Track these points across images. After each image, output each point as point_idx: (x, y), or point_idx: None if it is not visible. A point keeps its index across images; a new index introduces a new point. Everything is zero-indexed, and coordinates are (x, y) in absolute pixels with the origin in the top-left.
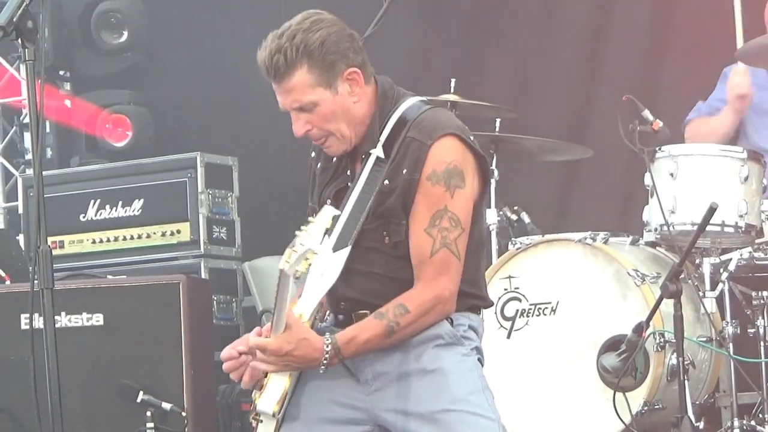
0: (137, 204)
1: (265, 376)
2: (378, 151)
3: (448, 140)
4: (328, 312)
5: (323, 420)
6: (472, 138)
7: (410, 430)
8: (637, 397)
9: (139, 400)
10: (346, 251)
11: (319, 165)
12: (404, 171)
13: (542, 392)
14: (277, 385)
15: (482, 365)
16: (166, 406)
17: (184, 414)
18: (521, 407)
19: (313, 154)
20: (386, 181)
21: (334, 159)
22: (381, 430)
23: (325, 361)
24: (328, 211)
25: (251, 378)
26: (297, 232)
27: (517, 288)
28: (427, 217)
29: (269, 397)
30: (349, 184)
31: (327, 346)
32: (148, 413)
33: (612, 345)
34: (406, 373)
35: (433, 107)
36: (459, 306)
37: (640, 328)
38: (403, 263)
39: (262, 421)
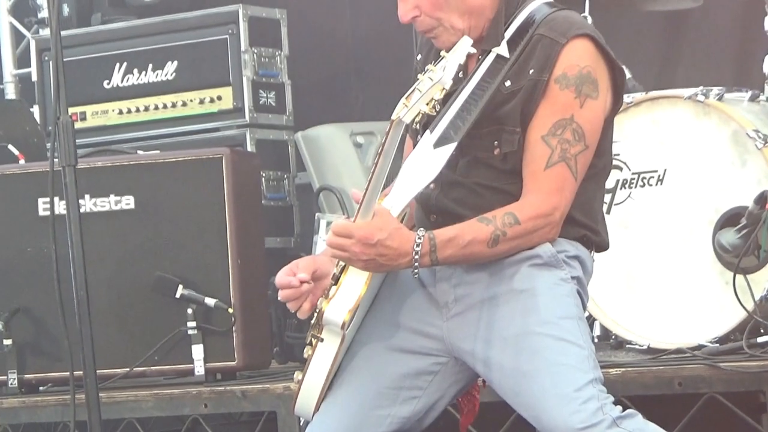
0: (170, 67)
1: (335, 283)
2: (501, 50)
3: (583, 42)
4: (414, 227)
5: (393, 348)
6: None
7: (490, 358)
8: (761, 280)
9: (178, 295)
10: (448, 149)
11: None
12: (530, 71)
13: (649, 278)
14: (351, 290)
15: (583, 306)
16: (210, 301)
17: (230, 310)
18: (625, 297)
19: (419, 57)
20: (507, 82)
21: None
22: (457, 363)
23: (417, 257)
24: (460, 48)
25: (312, 305)
26: (419, 77)
27: (617, 155)
28: (548, 124)
29: (340, 304)
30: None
31: (419, 239)
32: (189, 310)
33: (730, 219)
34: (493, 296)
35: (564, 8)
36: (567, 233)
37: (762, 199)
38: (513, 178)
39: (322, 340)
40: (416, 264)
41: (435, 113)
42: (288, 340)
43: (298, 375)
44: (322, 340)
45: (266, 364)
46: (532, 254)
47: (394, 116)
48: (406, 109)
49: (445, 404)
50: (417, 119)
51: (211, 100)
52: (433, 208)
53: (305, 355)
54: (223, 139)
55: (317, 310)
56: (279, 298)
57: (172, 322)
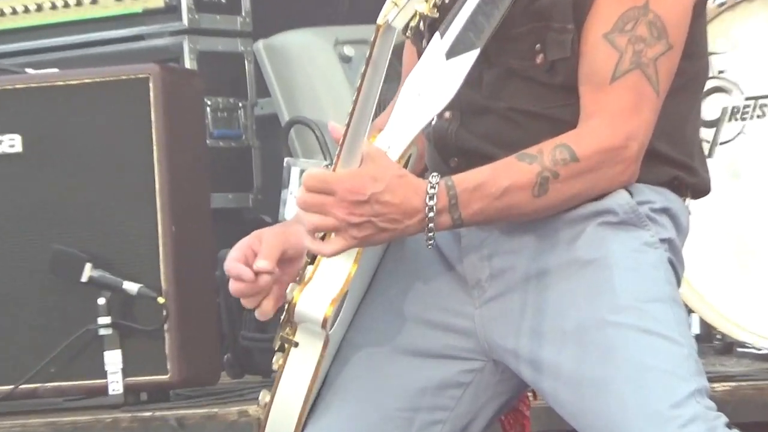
0: None
1: (311, 261)
2: None
3: None
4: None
5: (403, 351)
6: None
7: (541, 360)
8: None
9: (84, 278)
10: (468, 58)
11: None
12: None
13: None
14: (335, 271)
15: (677, 281)
16: (131, 287)
17: (161, 300)
18: (736, 279)
19: None
20: None
21: None
22: (496, 369)
23: (431, 215)
24: None
25: (277, 302)
26: None
27: (722, 72)
28: (613, 18)
29: (319, 293)
30: None
31: (432, 188)
32: (101, 301)
33: None
34: (544, 270)
35: None
36: (649, 175)
37: None
38: (564, 98)
39: (296, 344)
40: (430, 227)
41: (436, 14)
42: (245, 343)
43: (264, 396)
44: (296, 344)
45: (213, 378)
46: (601, 208)
47: (380, 20)
48: (396, 9)
49: (481, 428)
50: (413, 23)
51: None
52: (452, 148)
53: (273, 367)
54: (150, 51)
55: (287, 302)
56: (231, 292)
57: (76, 318)
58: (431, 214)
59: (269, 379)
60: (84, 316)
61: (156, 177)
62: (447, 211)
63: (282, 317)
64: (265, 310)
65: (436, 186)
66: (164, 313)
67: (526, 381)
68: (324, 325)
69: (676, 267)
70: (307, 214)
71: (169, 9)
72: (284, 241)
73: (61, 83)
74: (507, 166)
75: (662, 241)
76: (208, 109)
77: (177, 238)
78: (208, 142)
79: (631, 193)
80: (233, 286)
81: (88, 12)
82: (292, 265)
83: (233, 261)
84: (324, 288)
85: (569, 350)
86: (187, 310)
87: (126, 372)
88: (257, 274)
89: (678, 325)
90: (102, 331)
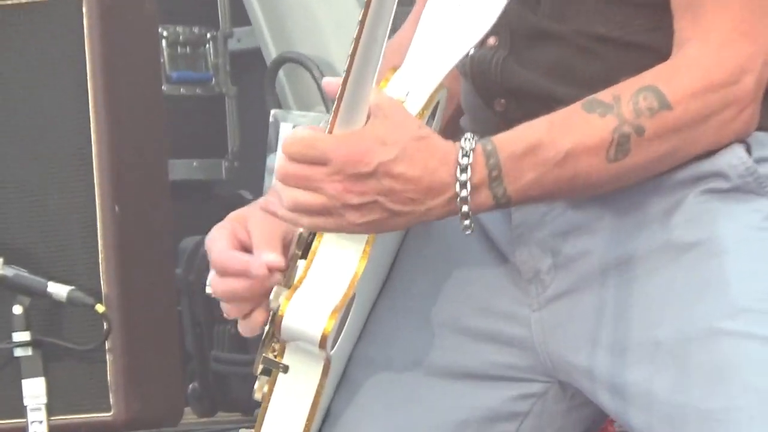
0: None
1: (302, 255)
2: None
3: None
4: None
5: (437, 371)
6: None
7: (627, 385)
8: None
9: None
10: None
11: None
12: None
13: None
14: (334, 269)
15: None
16: (58, 290)
17: (99, 308)
18: None
19: None
20: None
21: None
22: (564, 393)
23: (465, 193)
24: None
25: (267, 313)
26: None
27: None
28: None
29: (314, 302)
30: None
31: (465, 154)
32: (17, 309)
33: None
34: (629, 256)
35: None
36: None
37: None
38: (652, 19)
39: (285, 369)
40: (464, 210)
41: None
42: (217, 367)
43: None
44: (285, 368)
45: (173, 416)
46: (707, 170)
47: None
48: None
49: None
50: None
51: None
52: (498, 86)
53: (256, 396)
54: None
55: (272, 311)
56: (210, 292)
57: None
58: (464, 192)
59: (250, 416)
60: None
61: (92, 138)
62: (486, 187)
63: (265, 332)
64: (255, 323)
65: (471, 153)
66: (105, 326)
67: (605, 411)
68: (322, 344)
69: None
70: (286, 188)
71: None
72: (279, 223)
73: None
74: (570, 119)
75: None
76: (164, 42)
77: (122, 223)
78: (164, 88)
79: (748, 148)
80: (226, 286)
81: None
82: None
83: (228, 251)
84: (321, 293)
85: (666, 371)
86: (136, 323)
87: (52, 409)
88: (269, 271)
89: None
90: (18, 352)
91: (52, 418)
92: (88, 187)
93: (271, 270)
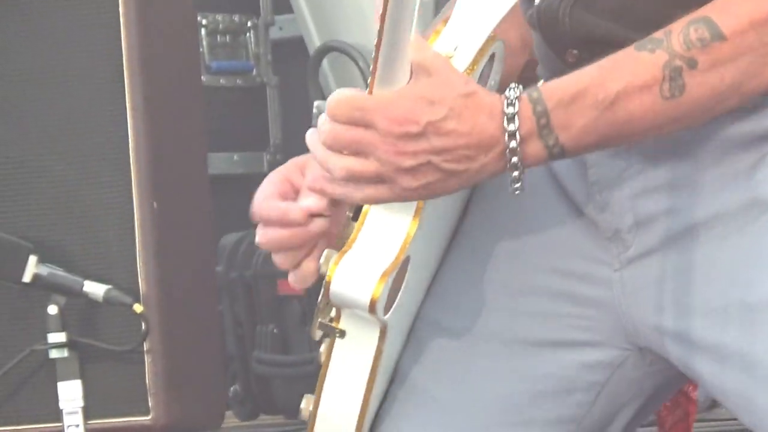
0: None
1: (354, 217)
2: None
3: None
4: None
5: (508, 337)
6: None
7: (721, 346)
8: None
9: (28, 277)
10: None
11: None
12: None
13: None
14: (386, 233)
15: None
16: (95, 289)
17: (137, 308)
18: None
19: None
20: None
21: None
22: (643, 357)
23: (513, 146)
24: None
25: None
26: None
27: None
28: None
29: (363, 266)
30: None
31: (511, 105)
32: (53, 309)
33: None
34: (715, 213)
35: None
36: None
37: None
38: None
39: (341, 334)
40: (513, 161)
41: None
42: (260, 368)
43: (308, 401)
44: (341, 333)
45: (215, 420)
46: None
47: None
48: None
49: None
50: None
51: None
52: (568, 36)
53: (321, 358)
54: None
55: (322, 275)
56: (259, 243)
57: (16, 335)
58: (513, 143)
59: (294, 420)
60: (28, 332)
61: (129, 132)
62: (537, 136)
63: (320, 297)
64: (306, 274)
65: (516, 102)
66: (143, 326)
67: (693, 375)
68: (372, 309)
69: None
70: (333, 155)
71: None
72: None
73: None
74: (620, 60)
75: None
76: (203, 31)
77: (160, 219)
78: (203, 79)
79: None
80: (269, 236)
81: None
82: (342, 209)
83: (269, 198)
84: (370, 257)
85: (763, 332)
86: (175, 323)
87: (89, 412)
88: (307, 217)
89: None
90: (54, 354)
91: (89, 422)
92: (125, 182)
93: (312, 215)
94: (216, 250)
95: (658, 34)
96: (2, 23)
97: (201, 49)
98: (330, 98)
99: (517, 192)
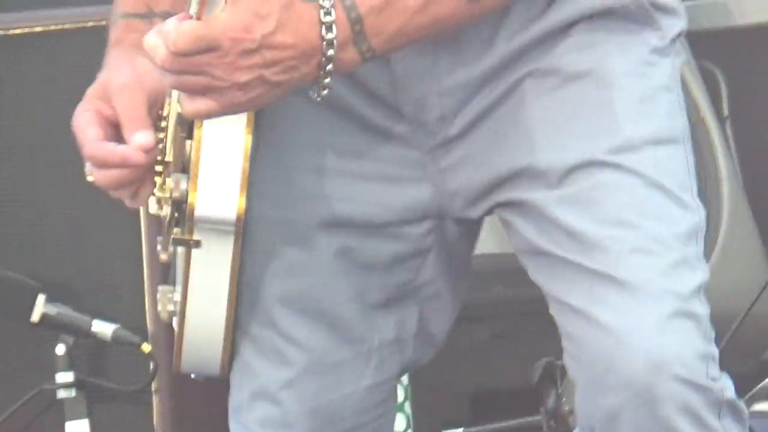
0: None
1: (188, 135)
2: None
3: None
4: None
5: (332, 224)
6: None
7: (524, 204)
8: None
9: (36, 316)
10: None
11: None
12: None
13: None
14: (225, 149)
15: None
16: (103, 329)
17: (145, 348)
18: None
19: None
20: None
21: None
22: (454, 225)
23: (330, 54)
24: None
25: (152, 184)
26: None
27: None
28: None
29: (219, 185)
30: None
31: (327, 14)
32: (60, 348)
33: None
34: (516, 86)
35: None
36: None
37: None
38: None
39: (197, 244)
40: (328, 69)
41: None
42: None
43: (168, 294)
44: (197, 244)
45: None
46: (588, 5)
47: None
48: None
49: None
50: None
51: None
52: None
53: (161, 314)
54: None
55: (175, 199)
56: (99, 183)
57: (24, 374)
58: (330, 51)
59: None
60: (36, 372)
61: None
62: (351, 44)
63: (168, 215)
64: (144, 198)
65: (332, 10)
66: (151, 366)
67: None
68: (239, 222)
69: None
70: (174, 77)
71: None
72: (145, 90)
73: (19, 32)
74: None
75: (673, 41)
76: None
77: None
78: None
79: None
80: (110, 177)
81: None
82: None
83: (98, 141)
84: (221, 175)
85: (563, 207)
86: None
87: None
88: (146, 154)
89: (692, 182)
90: (62, 393)
91: None
92: (133, 221)
93: (147, 151)
94: None
95: None
96: (14, 65)
97: None
98: (168, 33)
99: (319, 98)
